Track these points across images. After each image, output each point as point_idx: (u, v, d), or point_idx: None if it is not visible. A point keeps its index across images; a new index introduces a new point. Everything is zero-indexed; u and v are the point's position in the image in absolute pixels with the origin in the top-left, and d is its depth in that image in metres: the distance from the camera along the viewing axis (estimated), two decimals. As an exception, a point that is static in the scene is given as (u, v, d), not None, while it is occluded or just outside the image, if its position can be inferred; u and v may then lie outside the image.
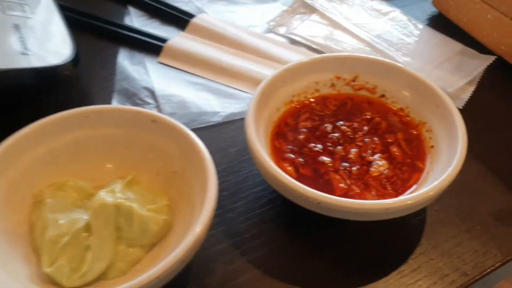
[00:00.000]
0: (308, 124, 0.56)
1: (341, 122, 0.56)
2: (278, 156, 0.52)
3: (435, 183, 0.46)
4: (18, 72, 0.56)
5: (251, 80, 0.66)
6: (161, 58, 0.69)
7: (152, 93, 0.64)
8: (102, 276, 0.45)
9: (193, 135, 0.49)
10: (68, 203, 0.48)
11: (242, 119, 0.62)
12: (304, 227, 0.52)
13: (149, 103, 0.63)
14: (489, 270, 0.49)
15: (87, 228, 0.45)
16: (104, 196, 0.46)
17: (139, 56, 0.70)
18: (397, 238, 0.52)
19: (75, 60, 0.61)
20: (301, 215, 0.52)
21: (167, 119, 0.50)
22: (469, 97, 0.68)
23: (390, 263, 0.50)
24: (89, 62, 0.68)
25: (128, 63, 0.68)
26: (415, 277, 0.49)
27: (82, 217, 0.46)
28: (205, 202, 0.43)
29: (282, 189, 0.46)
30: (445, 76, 0.69)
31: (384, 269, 0.49)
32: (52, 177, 0.50)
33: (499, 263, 0.50)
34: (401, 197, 0.46)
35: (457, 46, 0.75)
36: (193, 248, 0.41)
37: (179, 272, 0.41)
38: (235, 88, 0.66)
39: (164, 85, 0.65)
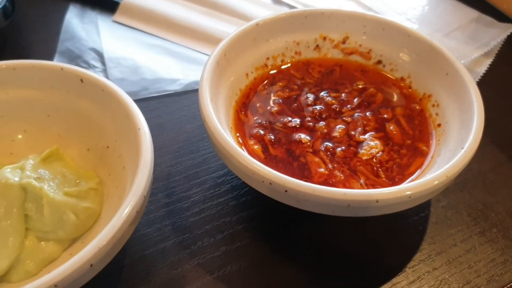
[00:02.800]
0: (285, 94, 0.45)
1: (325, 93, 0.45)
2: (243, 131, 0.41)
3: (442, 169, 0.34)
4: None
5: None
6: (117, 16, 0.58)
7: (100, 55, 0.53)
8: (4, 278, 0.34)
9: (129, 101, 0.37)
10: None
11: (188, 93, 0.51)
12: (274, 224, 0.41)
13: (96, 67, 0.52)
14: (509, 285, 0.38)
15: (-14, 215, 0.35)
16: (9, 174, 0.35)
17: (91, 14, 0.59)
18: (392, 240, 0.40)
19: (6, 11, 0.50)
20: (271, 208, 0.41)
21: (98, 78, 0.39)
22: (485, 71, 0.56)
23: (383, 272, 0.38)
24: (31, 19, 0.57)
25: (77, 21, 0.57)
26: (413, 291, 0.37)
27: (-23, 200, 0.35)
28: (134, 186, 0.32)
29: (240, 172, 0.35)
30: (457, 46, 0.57)
31: (374, 280, 0.38)
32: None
33: (521, 276, 0.39)
34: (396, 187, 0.35)
35: (472, 13, 0.63)
36: (110, 247, 0.30)
37: (102, 279, 0.30)
38: (200, 52, 0.54)
39: (115, 46, 0.54)
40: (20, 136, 0.41)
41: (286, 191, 0.33)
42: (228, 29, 0.56)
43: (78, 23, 0.57)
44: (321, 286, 0.37)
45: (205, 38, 0.55)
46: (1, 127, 0.41)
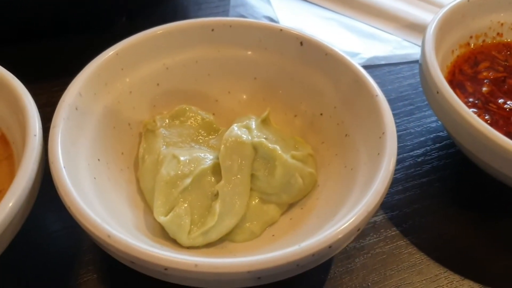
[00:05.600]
0: (491, 74, 0.42)
1: (536, 78, 0.42)
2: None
3: None
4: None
5: (397, 20, 0.53)
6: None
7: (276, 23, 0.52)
8: (228, 237, 0.34)
9: (358, 66, 0.36)
10: (186, 136, 0.37)
11: (387, 65, 0.50)
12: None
13: (272, 35, 0.51)
14: None
15: (214, 170, 0.34)
16: (239, 132, 0.35)
17: (256, -19, 0.58)
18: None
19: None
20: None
21: (321, 41, 0.38)
22: None
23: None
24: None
25: (244, -13, 0.56)
26: None
27: (206, 155, 0.35)
28: (385, 157, 0.31)
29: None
30: None
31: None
32: (165, 102, 0.39)
33: None
34: None
35: None
36: (373, 213, 0.29)
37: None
38: (377, 28, 0.53)
39: (289, 17, 0.53)
40: (224, 97, 0.41)
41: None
42: (401, 7, 0.54)
43: (245, -10, 0.56)
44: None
45: (379, 14, 0.54)
46: (207, 86, 0.40)
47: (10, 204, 0.27)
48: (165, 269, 0.25)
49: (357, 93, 0.35)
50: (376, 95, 0.34)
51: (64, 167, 0.29)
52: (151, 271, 0.26)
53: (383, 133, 0.32)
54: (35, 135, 0.30)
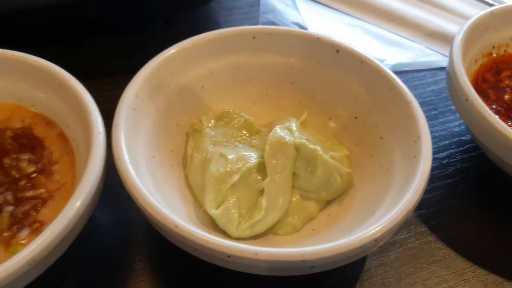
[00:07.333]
0: (512, 83, 0.45)
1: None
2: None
3: None
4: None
5: (419, 29, 0.55)
6: (312, -6, 0.59)
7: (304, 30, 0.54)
8: (271, 230, 0.36)
9: (393, 74, 0.38)
10: (230, 136, 0.40)
11: (411, 72, 0.52)
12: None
13: (301, 41, 0.53)
14: None
15: (259, 168, 0.37)
16: (282, 133, 0.37)
17: (284, -12, 0.61)
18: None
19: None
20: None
21: (356, 50, 0.40)
22: None
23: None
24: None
25: (272, -5, 0.59)
26: None
27: (251, 154, 0.38)
28: (421, 160, 0.33)
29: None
30: None
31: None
32: (208, 104, 0.42)
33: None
34: None
35: None
36: (409, 212, 0.31)
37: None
38: (401, 36, 0.55)
39: (317, 23, 0.55)
40: (261, 100, 0.44)
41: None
42: (423, 15, 0.57)
43: (273, -3, 0.59)
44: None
45: (402, 22, 0.56)
46: (246, 90, 0.43)
47: (83, 196, 0.30)
48: (228, 256, 0.28)
49: (392, 99, 0.38)
50: (410, 102, 0.37)
51: (130, 163, 0.32)
52: (214, 258, 0.29)
53: (419, 137, 0.35)
54: (99, 133, 0.33)
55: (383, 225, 0.29)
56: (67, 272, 0.36)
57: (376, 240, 0.29)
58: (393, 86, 0.38)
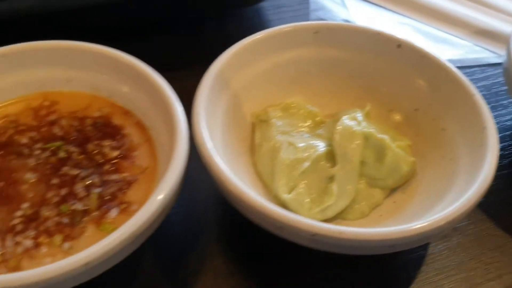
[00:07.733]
0: None
1: None
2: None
3: None
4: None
5: (468, 27, 0.57)
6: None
7: (354, 27, 0.56)
8: (341, 215, 0.38)
9: (454, 68, 0.40)
10: (295, 126, 0.41)
11: (461, 68, 0.53)
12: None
13: (352, 38, 0.55)
14: None
15: (327, 156, 0.38)
16: (350, 123, 0.39)
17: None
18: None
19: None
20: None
21: (416, 44, 0.42)
22: None
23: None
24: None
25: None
26: None
27: (319, 143, 0.39)
28: (487, 148, 0.35)
29: None
30: None
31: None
32: (272, 96, 0.43)
33: None
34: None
35: None
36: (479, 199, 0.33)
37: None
38: (449, 33, 0.57)
39: (366, 21, 0.57)
40: (322, 92, 0.45)
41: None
42: (471, 14, 0.58)
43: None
44: None
45: (450, 20, 0.58)
46: (308, 82, 0.45)
47: (174, 178, 0.31)
48: (313, 235, 0.30)
49: (454, 92, 0.39)
50: (474, 94, 0.38)
51: (213, 148, 0.33)
52: (299, 236, 0.31)
53: (484, 127, 0.36)
54: (182, 123, 0.35)
55: (459, 207, 0.31)
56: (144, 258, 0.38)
57: (453, 221, 0.31)
58: (454, 79, 0.39)
